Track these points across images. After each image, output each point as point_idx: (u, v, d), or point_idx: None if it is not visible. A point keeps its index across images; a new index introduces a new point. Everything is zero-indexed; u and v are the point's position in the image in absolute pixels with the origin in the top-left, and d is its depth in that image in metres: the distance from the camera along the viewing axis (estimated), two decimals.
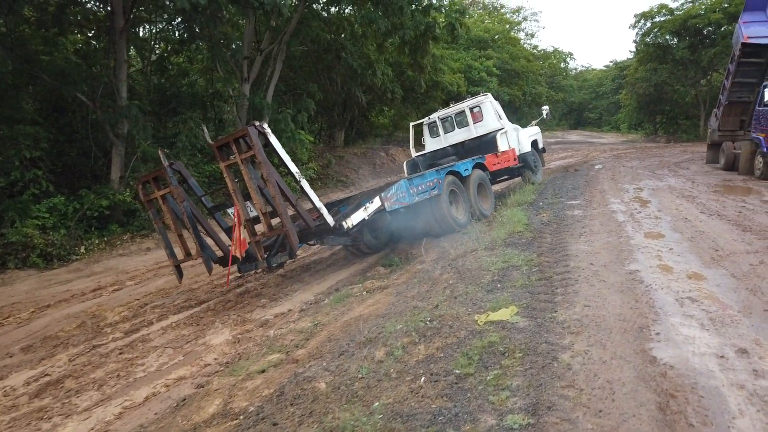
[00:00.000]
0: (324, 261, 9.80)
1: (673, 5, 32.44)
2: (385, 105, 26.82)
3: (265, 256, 6.95)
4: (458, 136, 12.87)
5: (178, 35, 16.74)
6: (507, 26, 40.06)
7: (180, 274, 7.63)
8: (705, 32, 30.18)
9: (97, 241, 11.36)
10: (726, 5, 28.11)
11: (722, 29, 28.26)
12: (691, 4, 31.46)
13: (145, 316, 7.46)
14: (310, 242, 7.91)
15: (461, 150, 12.63)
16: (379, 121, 30.45)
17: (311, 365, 4.51)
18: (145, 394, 4.92)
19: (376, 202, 7.49)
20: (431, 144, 13.47)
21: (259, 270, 8.56)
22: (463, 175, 9.64)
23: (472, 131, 12.51)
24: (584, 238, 6.92)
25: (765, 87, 11.81)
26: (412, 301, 5.76)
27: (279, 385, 4.18)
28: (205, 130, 7.13)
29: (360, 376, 3.92)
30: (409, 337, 4.38)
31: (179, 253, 7.73)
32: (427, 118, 13.71)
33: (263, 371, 4.77)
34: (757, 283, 4.70)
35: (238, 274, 8.22)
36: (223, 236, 7.89)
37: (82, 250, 10.93)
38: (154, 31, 17.34)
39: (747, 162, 12.81)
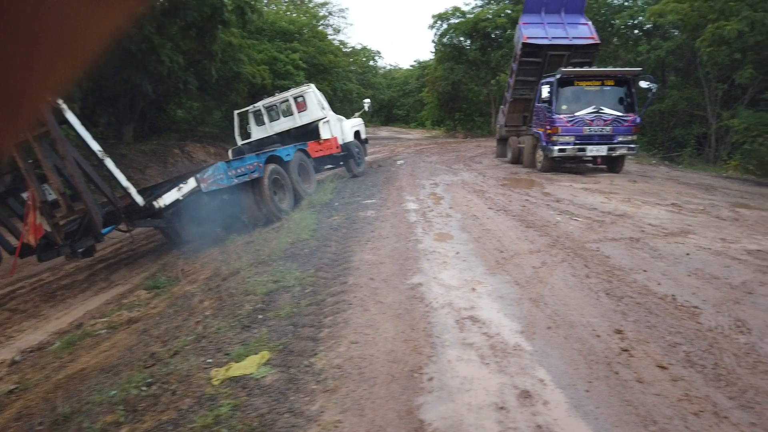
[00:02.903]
0: (77, 284, 7.82)
1: (465, 8, 34.65)
2: (182, 97, 24.23)
3: (68, 242, 6.52)
4: (284, 124, 13.04)
5: None
6: (314, 20, 39.28)
7: None
8: (493, 35, 32.60)
9: None
10: (509, 11, 30.67)
11: (507, 33, 30.69)
12: (480, 8, 33.83)
13: None
14: (120, 228, 7.46)
15: (287, 138, 12.60)
16: (178, 115, 27.52)
17: None
18: None
19: (191, 183, 7.30)
20: (257, 132, 13.48)
21: (62, 257, 7.36)
22: (285, 160, 9.74)
23: (297, 120, 12.74)
24: (371, 244, 6.17)
25: (542, 84, 12.46)
26: (155, 344, 4.44)
27: None
28: None
29: None
30: (114, 414, 3.09)
31: None
32: (252, 107, 13.69)
33: None
34: (540, 290, 4.27)
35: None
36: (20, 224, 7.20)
37: None
38: None
39: (530, 155, 13.55)
